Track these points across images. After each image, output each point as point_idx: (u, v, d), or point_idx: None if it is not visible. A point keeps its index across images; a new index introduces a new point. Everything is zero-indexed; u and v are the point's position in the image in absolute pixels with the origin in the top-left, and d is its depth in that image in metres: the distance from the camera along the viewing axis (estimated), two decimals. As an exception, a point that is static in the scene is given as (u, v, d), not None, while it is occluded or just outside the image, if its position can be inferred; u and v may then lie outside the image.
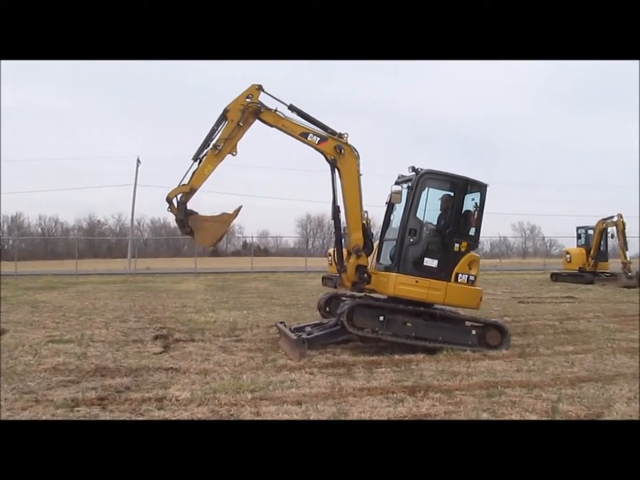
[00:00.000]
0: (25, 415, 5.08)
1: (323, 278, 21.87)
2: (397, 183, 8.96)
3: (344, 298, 9.72)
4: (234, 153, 8.15)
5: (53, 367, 7.09)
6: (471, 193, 8.59)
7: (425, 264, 8.29)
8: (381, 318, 7.98)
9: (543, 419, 5.10)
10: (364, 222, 8.77)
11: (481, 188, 8.62)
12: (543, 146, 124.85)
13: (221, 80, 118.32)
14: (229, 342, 9.01)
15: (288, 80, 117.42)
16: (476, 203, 8.58)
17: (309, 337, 8.13)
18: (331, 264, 18.49)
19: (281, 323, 9.07)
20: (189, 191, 7.99)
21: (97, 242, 61.11)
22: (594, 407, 5.46)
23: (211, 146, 8.04)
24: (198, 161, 8.09)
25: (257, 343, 8.88)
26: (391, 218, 9.10)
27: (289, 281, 25.75)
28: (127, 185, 67.06)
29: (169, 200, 8.03)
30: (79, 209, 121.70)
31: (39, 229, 72.23)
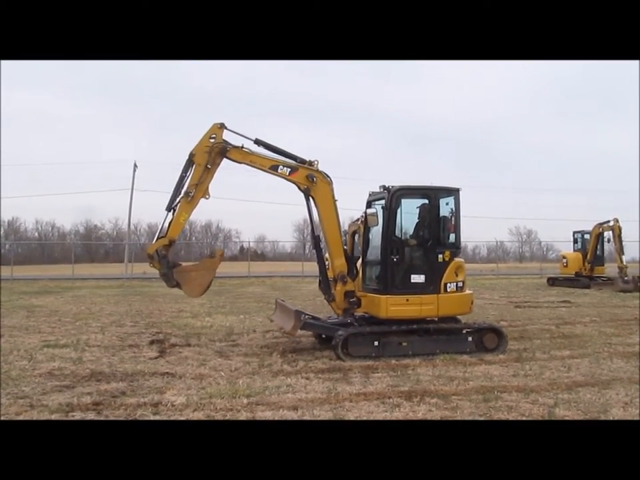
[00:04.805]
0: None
1: (320, 283, 21.77)
2: (369, 203, 8.90)
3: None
4: (207, 197, 8.01)
5: (48, 371, 7.07)
6: (444, 198, 8.52)
7: (412, 281, 8.24)
8: (376, 343, 7.93)
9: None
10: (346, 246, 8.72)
11: (453, 193, 8.58)
12: (538, 150, 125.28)
13: (217, 81, 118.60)
14: (225, 347, 9.00)
15: (285, 80, 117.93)
16: (451, 209, 8.54)
17: (307, 319, 8.13)
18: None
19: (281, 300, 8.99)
20: (168, 243, 7.91)
21: (93, 246, 60.95)
22: (590, 411, 5.46)
23: (182, 194, 7.92)
24: (172, 210, 7.99)
25: (253, 348, 8.87)
26: (370, 237, 9.00)
27: (285, 285, 25.72)
28: (124, 190, 67.00)
29: (149, 255, 7.93)
30: (75, 213, 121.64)
31: (36, 234, 72.22)
